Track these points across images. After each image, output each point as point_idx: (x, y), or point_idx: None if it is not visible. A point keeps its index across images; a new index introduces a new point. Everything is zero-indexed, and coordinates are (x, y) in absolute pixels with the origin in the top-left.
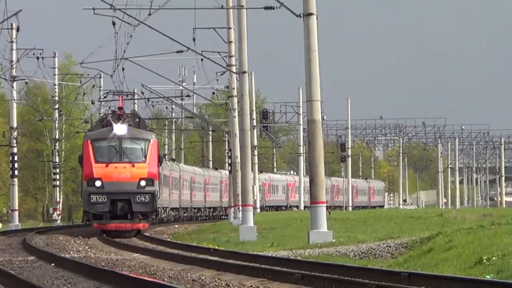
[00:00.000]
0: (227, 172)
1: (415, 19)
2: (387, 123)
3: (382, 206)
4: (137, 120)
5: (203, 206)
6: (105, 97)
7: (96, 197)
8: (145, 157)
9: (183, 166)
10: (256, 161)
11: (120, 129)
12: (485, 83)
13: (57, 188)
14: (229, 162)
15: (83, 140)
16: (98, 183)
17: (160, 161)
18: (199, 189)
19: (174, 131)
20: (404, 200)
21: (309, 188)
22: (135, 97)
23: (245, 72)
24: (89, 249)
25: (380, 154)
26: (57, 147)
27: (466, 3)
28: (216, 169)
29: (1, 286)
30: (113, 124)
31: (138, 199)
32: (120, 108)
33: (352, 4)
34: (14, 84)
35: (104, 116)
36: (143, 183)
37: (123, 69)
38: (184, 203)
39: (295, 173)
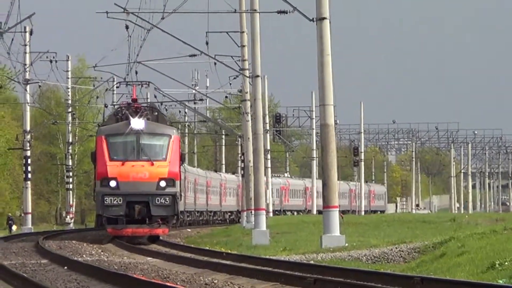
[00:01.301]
0: (241, 176)
1: (428, 23)
2: (400, 127)
3: (383, 211)
4: (156, 113)
5: (219, 210)
6: (117, 87)
7: (111, 199)
8: (166, 154)
9: (198, 170)
10: (269, 165)
11: (137, 123)
12: (498, 89)
13: (70, 192)
14: (242, 166)
15: (96, 135)
16: (113, 183)
17: (182, 160)
18: (215, 193)
19: (187, 135)
20: (417, 205)
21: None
22: (150, 87)
23: (258, 76)
24: (102, 253)
25: (393, 158)
26: (70, 151)
27: (478, 12)
28: (234, 173)
29: None
30: (130, 117)
31: (158, 201)
32: (134, 100)
33: (365, 8)
34: (28, 87)
35: (119, 109)
36: (163, 183)
37: (136, 72)
38: (199, 207)
39: (289, 176)
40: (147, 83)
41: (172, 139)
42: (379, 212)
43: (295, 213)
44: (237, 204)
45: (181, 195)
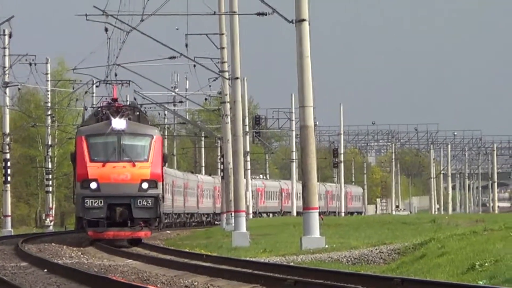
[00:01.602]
0: (220, 178)
1: (407, 22)
2: (379, 129)
3: (360, 213)
4: (137, 113)
5: (196, 212)
6: (97, 86)
7: (92, 201)
8: (148, 155)
9: (176, 172)
10: (249, 167)
11: (118, 123)
12: (477, 89)
13: (50, 194)
14: (222, 168)
15: (76, 135)
16: (93, 185)
17: (164, 161)
18: (192, 195)
19: (166, 137)
20: (397, 206)
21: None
22: (131, 87)
23: (237, 78)
24: (81, 255)
25: (372, 160)
26: (49, 153)
27: (459, 16)
28: (210, 174)
29: None
30: (111, 117)
31: (140, 203)
32: (115, 100)
33: (344, 11)
34: (7, 90)
35: (99, 109)
36: (145, 185)
37: (115, 75)
38: (176, 209)
39: (264, 177)
40: (128, 82)
41: (154, 139)
42: (356, 213)
43: (271, 215)
44: (214, 206)
45: (163, 196)
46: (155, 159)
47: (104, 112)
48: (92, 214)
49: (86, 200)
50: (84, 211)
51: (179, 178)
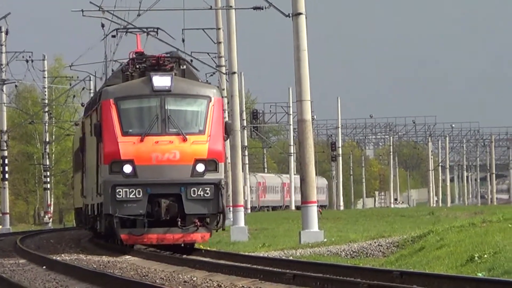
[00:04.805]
0: None
1: (402, 15)
2: (377, 122)
3: (324, 207)
4: (184, 67)
5: None
6: (113, 36)
7: (125, 192)
8: (204, 125)
9: None
10: (247, 161)
11: (161, 80)
12: (474, 81)
13: (48, 191)
14: None
15: (101, 99)
16: (128, 169)
17: (227, 133)
18: None
19: None
20: (395, 199)
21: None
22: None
23: (234, 72)
24: (80, 252)
25: (370, 153)
26: (47, 150)
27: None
28: None
29: None
30: (150, 73)
31: (194, 193)
32: (140, 53)
33: (342, 4)
34: (4, 87)
35: (127, 64)
36: (201, 167)
37: (112, 71)
38: None
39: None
40: (155, 29)
41: (212, 102)
42: (319, 208)
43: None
44: None
45: (226, 183)
46: (215, 130)
47: (137, 67)
48: (126, 209)
49: (117, 190)
50: (115, 206)
51: None
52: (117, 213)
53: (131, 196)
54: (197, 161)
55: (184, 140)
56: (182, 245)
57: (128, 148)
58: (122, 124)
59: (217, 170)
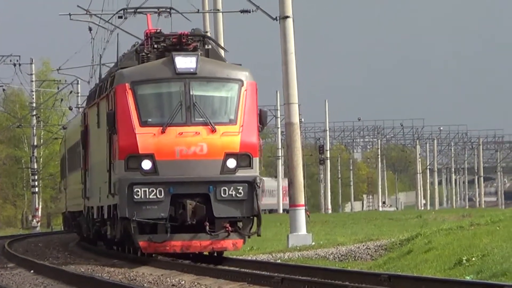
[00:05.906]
0: None
1: (390, 18)
2: (365, 125)
3: (273, 211)
4: (208, 46)
5: None
6: (120, 17)
7: (145, 191)
8: (236, 113)
9: None
10: None
11: (185, 61)
12: (462, 84)
13: (36, 195)
14: None
15: (114, 84)
16: (147, 164)
17: (262, 122)
18: None
19: None
20: (383, 202)
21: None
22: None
23: None
24: (68, 256)
25: (358, 156)
26: (35, 154)
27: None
28: None
29: None
30: (172, 53)
31: (224, 193)
32: (158, 32)
33: (329, 7)
34: None
35: (141, 44)
36: (232, 162)
37: (100, 75)
38: None
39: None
40: (168, 9)
41: (244, 86)
42: (267, 212)
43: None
44: None
45: (261, 180)
46: (248, 119)
47: (154, 47)
48: (145, 212)
49: (135, 190)
50: (132, 208)
51: None
52: (135, 217)
53: (151, 196)
54: (228, 155)
55: (213, 131)
56: (208, 253)
57: (147, 141)
58: (140, 112)
59: (251, 166)
